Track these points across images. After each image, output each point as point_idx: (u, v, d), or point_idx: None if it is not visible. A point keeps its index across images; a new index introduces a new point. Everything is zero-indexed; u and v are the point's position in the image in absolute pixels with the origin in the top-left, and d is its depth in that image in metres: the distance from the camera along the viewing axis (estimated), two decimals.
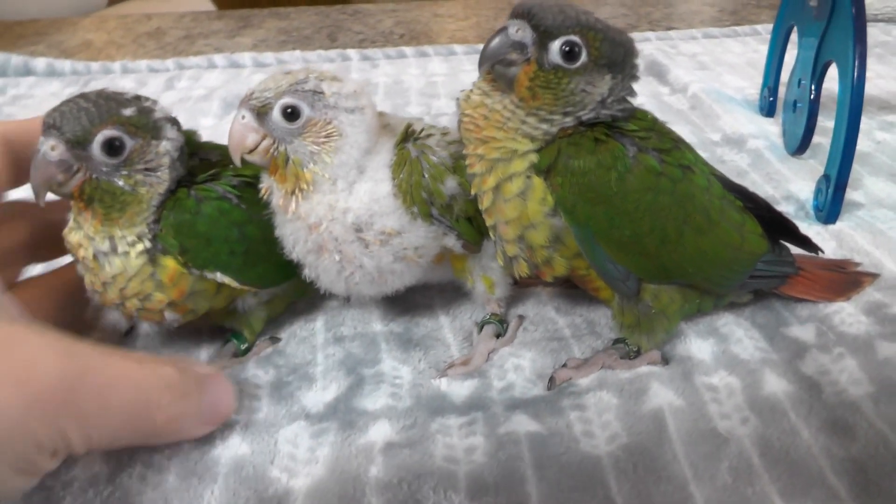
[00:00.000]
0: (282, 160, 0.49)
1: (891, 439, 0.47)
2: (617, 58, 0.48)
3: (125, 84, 1.15)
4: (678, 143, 0.52)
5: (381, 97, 1.10)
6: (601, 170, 0.47)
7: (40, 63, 1.22)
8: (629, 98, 0.51)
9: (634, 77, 0.51)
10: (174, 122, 0.51)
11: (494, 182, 0.49)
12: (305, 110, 0.49)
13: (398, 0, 1.81)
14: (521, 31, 0.48)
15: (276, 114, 0.49)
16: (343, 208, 0.50)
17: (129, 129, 0.48)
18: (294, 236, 0.51)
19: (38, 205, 0.48)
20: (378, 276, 0.53)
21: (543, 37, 0.47)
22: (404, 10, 1.66)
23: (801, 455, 0.47)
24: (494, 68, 0.49)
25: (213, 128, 0.98)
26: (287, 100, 0.48)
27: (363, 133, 0.50)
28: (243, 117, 0.49)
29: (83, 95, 0.48)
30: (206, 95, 1.11)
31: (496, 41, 0.48)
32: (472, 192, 0.51)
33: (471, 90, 0.51)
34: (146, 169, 0.49)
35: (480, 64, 0.49)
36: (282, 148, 0.49)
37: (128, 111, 0.48)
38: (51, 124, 0.46)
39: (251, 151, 0.49)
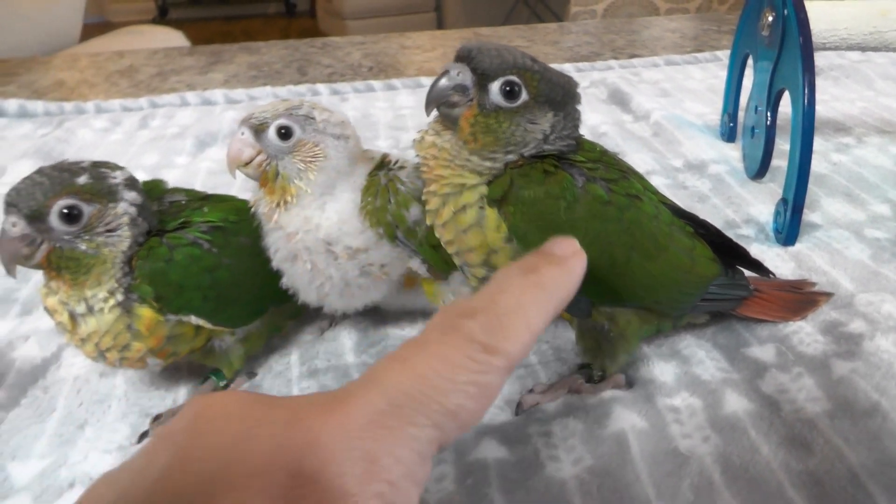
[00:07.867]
0: (272, 174, 0.55)
1: (845, 453, 0.49)
2: (556, 96, 0.51)
3: (99, 124, 1.16)
4: (626, 173, 0.54)
5: None
6: (550, 199, 0.49)
7: (12, 104, 1.22)
8: (573, 136, 0.53)
9: (576, 119, 0.53)
10: (131, 182, 0.53)
11: (449, 214, 0.51)
12: (297, 131, 0.55)
13: (366, 32, 1.83)
14: (461, 74, 0.50)
15: (271, 132, 0.54)
16: (316, 222, 0.55)
17: (84, 196, 0.50)
18: (275, 244, 0.56)
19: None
20: (345, 287, 0.57)
21: (482, 79, 0.50)
22: (372, 42, 1.69)
23: (761, 471, 0.49)
24: (440, 109, 0.51)
25: (187, 167, 1.00)
26: (282, 121, 0.54)
27: (345, 158, 0.56)
28: (242, 133, 0.55)
29: (39, 170, 0.50)
30: (180, 133, 1.12)
31: (439, 84, 0.50)
32: (429, 223, 0.53)
33: (425, 131, 0.54)
34: (107, 231, 0.51)
35: (426, 106, 0.51)
36: (273, 163, 0.55)
37: (81, 179, 0.50)
38: (9, 202, 0.49)
39: (246, 165, 0.55)
